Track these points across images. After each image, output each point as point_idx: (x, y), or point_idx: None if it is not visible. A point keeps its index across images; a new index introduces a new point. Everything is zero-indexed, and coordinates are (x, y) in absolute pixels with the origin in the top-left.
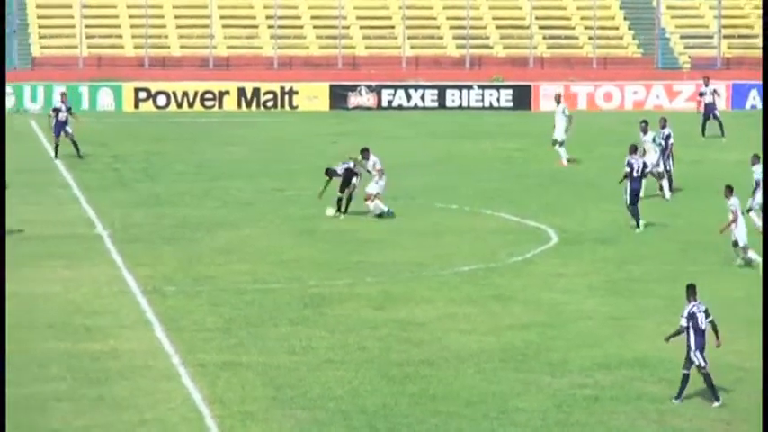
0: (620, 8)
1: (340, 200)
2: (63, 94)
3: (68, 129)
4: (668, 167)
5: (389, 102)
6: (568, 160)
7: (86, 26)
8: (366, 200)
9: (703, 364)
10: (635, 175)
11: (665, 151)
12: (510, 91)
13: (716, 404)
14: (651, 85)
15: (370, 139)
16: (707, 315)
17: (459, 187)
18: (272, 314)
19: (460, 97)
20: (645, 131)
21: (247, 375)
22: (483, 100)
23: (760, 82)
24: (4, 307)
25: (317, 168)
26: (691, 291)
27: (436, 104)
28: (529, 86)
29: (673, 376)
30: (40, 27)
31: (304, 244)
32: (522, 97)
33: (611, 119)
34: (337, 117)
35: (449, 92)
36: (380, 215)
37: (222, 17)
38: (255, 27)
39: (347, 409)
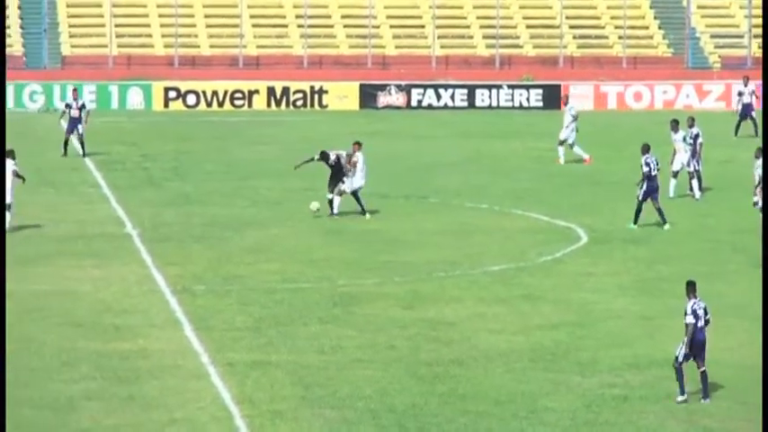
0: (651, 8)
1: (331, 201)
2: (74, 90)
3: (80, 127)
4: (696, 167)
5: (419, 101)
6: (559, 161)
7: (116, 25)
8: (338, 194)
9: (680, 360)
10: (652, 173)
11: (694, 151)
12: (540, 90)
13: (680, 398)
14: (681, 85)
15: (399, 138)
16: (705, 312)
17: (489, 187)
18: (302, 313)
19: (490, 97)
20: (675, 130)
21: (277, 374)
22: (513, 99)
23: None
24: (5, 307)
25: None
26: (691, 288)
27: (466, 104)
28: (559, 86)
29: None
30: (70, 26)
31: (333, 243)
32: (552, 97)
33: (641, 118)
34: (367, 116)
35: (478, 91)
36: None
37: (252, 16)
38: (285, 26)
39: (376, 409)
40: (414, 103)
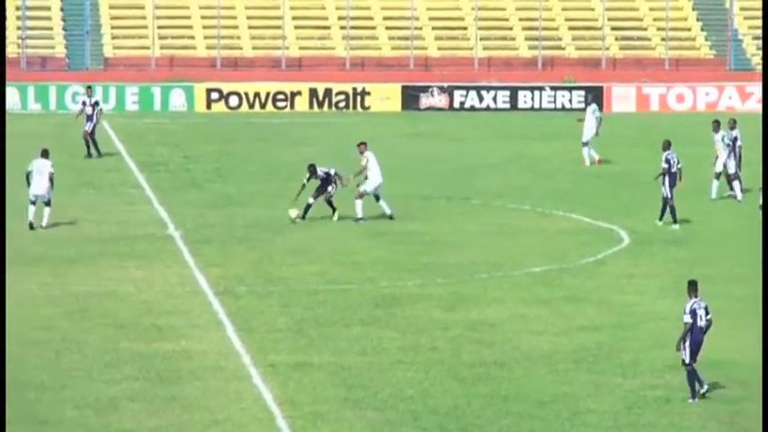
0: (693, 9)
1: (309, 206)
2: (89, 88)
3: (88, 126)
4: (735, 169)
5: (461, 103)
6: (600, 161)
7: (159, 27)
8: (358, 197)
9: (687, 361)
10: (672, 170)
11: (733, 152)
12: (582, 92)
13: (691, 401)
14: (723, 87)
15: (441, 139)
16: (707, 312)
17: (531, 188)
18: (344, 315)
19: (532, 98)
20: (716, 130)
21: (318, 376)
22: (555, 101)
23: None
24: (5, 306)
25: (389, 170)
26: (692, 287)
27: (508, 105)
28: (601, 87)
29: (744, 377)
30: (112, 28)
31: (375, 245)
32: (594, 98)
33: (684, 120)
34: (409, 118)
35: (521, 93)
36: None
37: (294, 18)
38: (328, 28)
39: (418, 410)
40: (456, 105)
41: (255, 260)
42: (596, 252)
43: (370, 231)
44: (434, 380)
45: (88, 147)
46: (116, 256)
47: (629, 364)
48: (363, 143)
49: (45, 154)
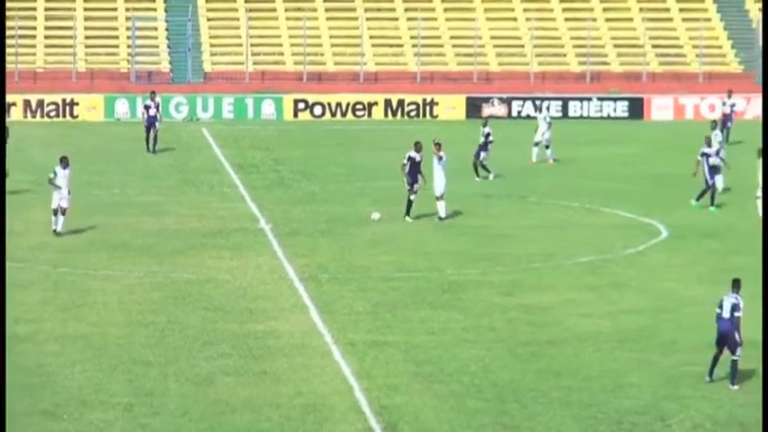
0: (724, 29)
1: (410, 203)
2: (153, 93)
3: (157, 125)
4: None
5: (519, 112)
6: (554, 160)
7: (252, 45)
8: (439, 199)
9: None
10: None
11: (485, 144)
12: (625, 103)
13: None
14: (750, 98)
15: (501, 145)
16: (734, 309)
17: (581, 187)
18: (414, 299)
19: (581, 108)
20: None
21: (392, 353)
22: (601, 110)
23: None
24: (5, 302)
25: (455, 171)
26: (733, 284)
27: (560, 114)
28: (642, 98)
29: None
30: (211, 46)
31: (443, 238)
32: (636, 108)
33: None
34: (472, 125)
35: (571, 103)
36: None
37: (371, 37)
38: (401, 46)
39: (480, 383)
40: (514, 114)
41: (337, 251)
42: (638, 244)
43: (438, 226)
44: (494, 356)
45: (147, 143)
46: (214, 247)
47: (668, 343)
48: (439, 143)
49: (63, 161)
